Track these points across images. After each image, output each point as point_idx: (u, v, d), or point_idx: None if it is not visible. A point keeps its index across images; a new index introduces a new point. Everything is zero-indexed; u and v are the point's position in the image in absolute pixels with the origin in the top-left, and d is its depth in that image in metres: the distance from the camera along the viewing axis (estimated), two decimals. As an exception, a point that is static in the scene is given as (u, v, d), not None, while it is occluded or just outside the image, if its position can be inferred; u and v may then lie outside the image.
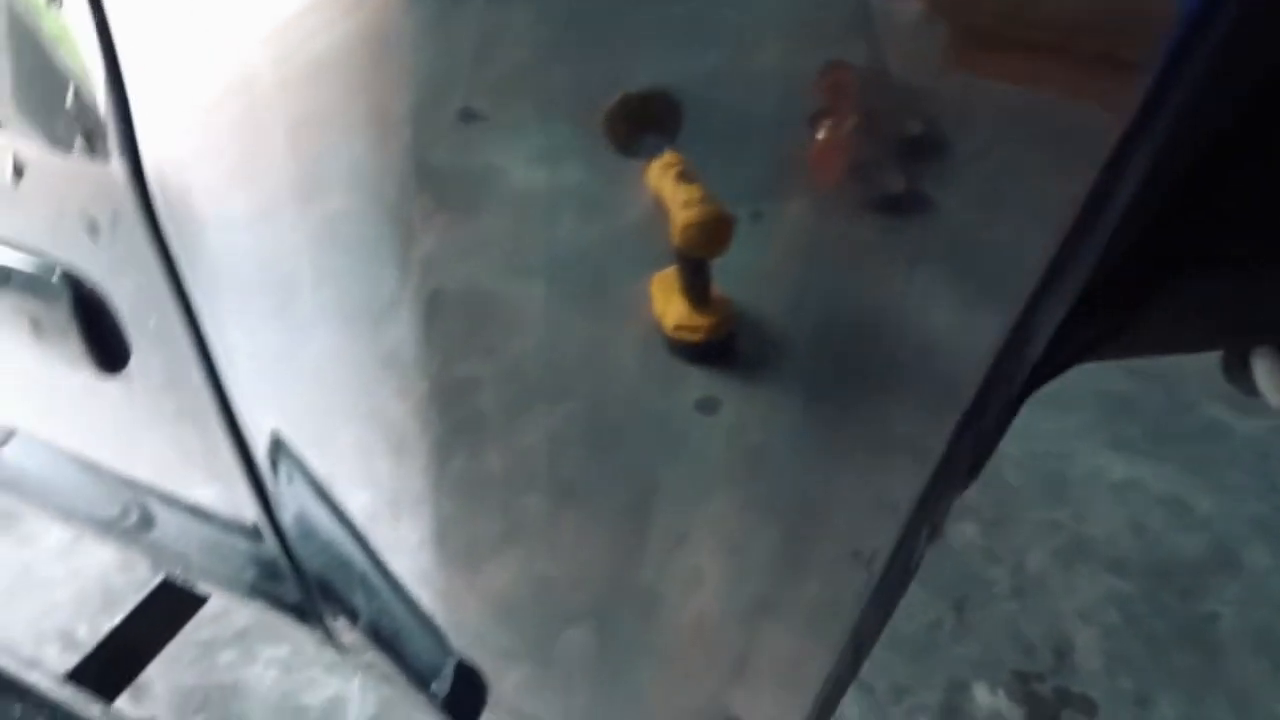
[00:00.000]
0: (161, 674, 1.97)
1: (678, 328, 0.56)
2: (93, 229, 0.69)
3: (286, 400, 0.73)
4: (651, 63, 0.51)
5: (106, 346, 0.77)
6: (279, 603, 0.94)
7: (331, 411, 0.72)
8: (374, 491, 0.75)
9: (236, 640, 2.07)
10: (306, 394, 0.72)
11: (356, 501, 0.76)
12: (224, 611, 2.10)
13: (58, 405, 0.91)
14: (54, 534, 2.30)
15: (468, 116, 0.53)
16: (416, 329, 0.61)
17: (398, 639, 0.83)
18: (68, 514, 1.09)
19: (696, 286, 0.54)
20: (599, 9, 0.52)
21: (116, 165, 0.64)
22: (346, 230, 0.59)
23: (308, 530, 0.81)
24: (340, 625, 0.90)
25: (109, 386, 0.80)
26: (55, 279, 0.74)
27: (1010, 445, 2.57)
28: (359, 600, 0.83)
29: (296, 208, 0.60)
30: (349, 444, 0.72)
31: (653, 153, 0.52)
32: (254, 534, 0.86)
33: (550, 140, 0.54)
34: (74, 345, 0.77)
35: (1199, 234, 0.65)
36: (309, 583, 0.88)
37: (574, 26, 0.52)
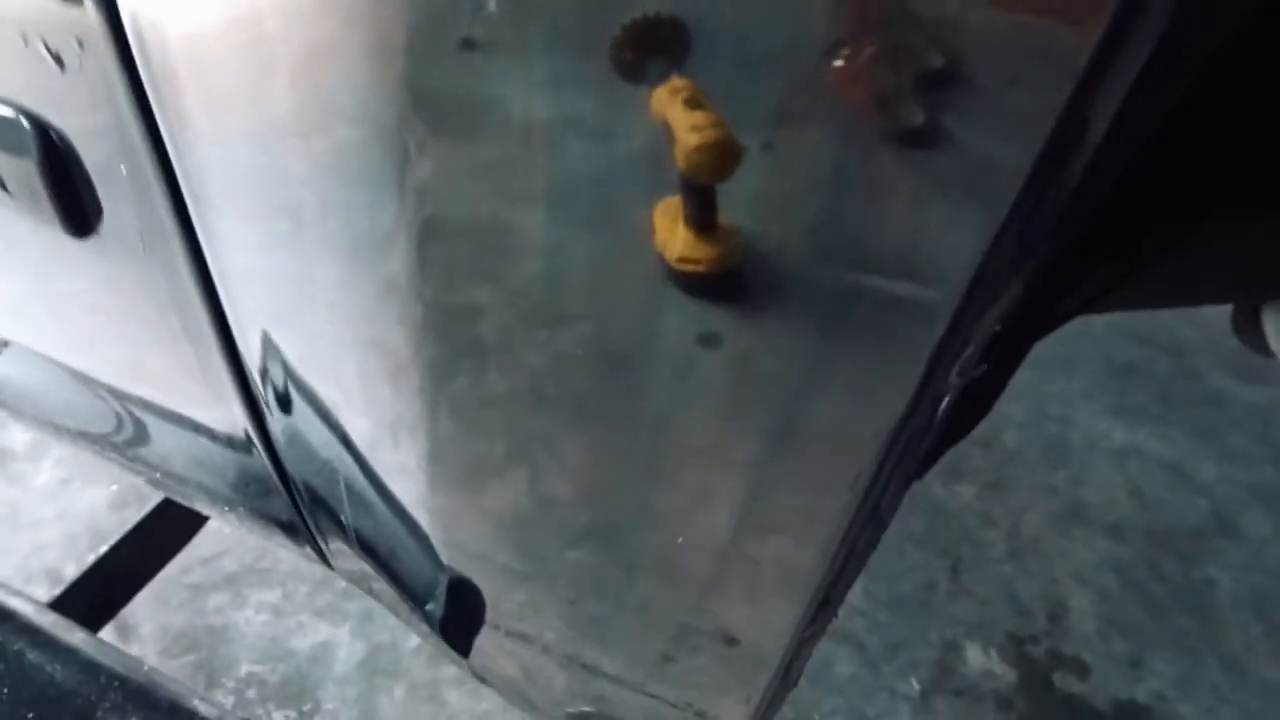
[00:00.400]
0: (150, 616, 1.98)
1: (681, 259, 0.55)
2: (58, 63, 0.66)
3: (278, 301, 0.72)
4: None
5: (77, 204, 0.73)
6: (270, 519, 0.93)
7: (326, 325, 0.70)
8: (372, 410, 0.74)
9: (226, 584, 2.08)
10: (301, 301, 0.70)
11: (353, 419, 0.75)
12: (214, 555, 2.11)
13: (40, 306, 0.89)
14: (44, 473, 2.31)
15: (468, 45, 0.52)
16: (416, 253, 0.60)
17: (392, 557, 0.82)
18: (59, 429, 1.08)
19: (702, 216, 0.53)
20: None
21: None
22: (348, 153, 0.58)
23: (299, 441, 0.80)
24: (334, 545, 0.90)
25: (88, 268, 0.77)
26: (17, 123, 0.69)
27: (1011, 407, 2.56)
28: (350, 515, 0.82)
29: (295, 121, 0.59)
30: (347, 359, 0.71)
31: (659, 79, 0.51)
32: (243, 445, 0.85)
33: (553, 67, 0.52)
34: (41, 200, 0.72)
35: (1212, 175, 0.63)
36: (299, 496, 0.87)
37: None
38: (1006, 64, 0.44)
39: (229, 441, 0.86)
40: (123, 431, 0.97)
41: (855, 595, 2.05)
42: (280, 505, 0.89)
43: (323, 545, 0.93)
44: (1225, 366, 2.45)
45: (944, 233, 0.49)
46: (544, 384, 0.64)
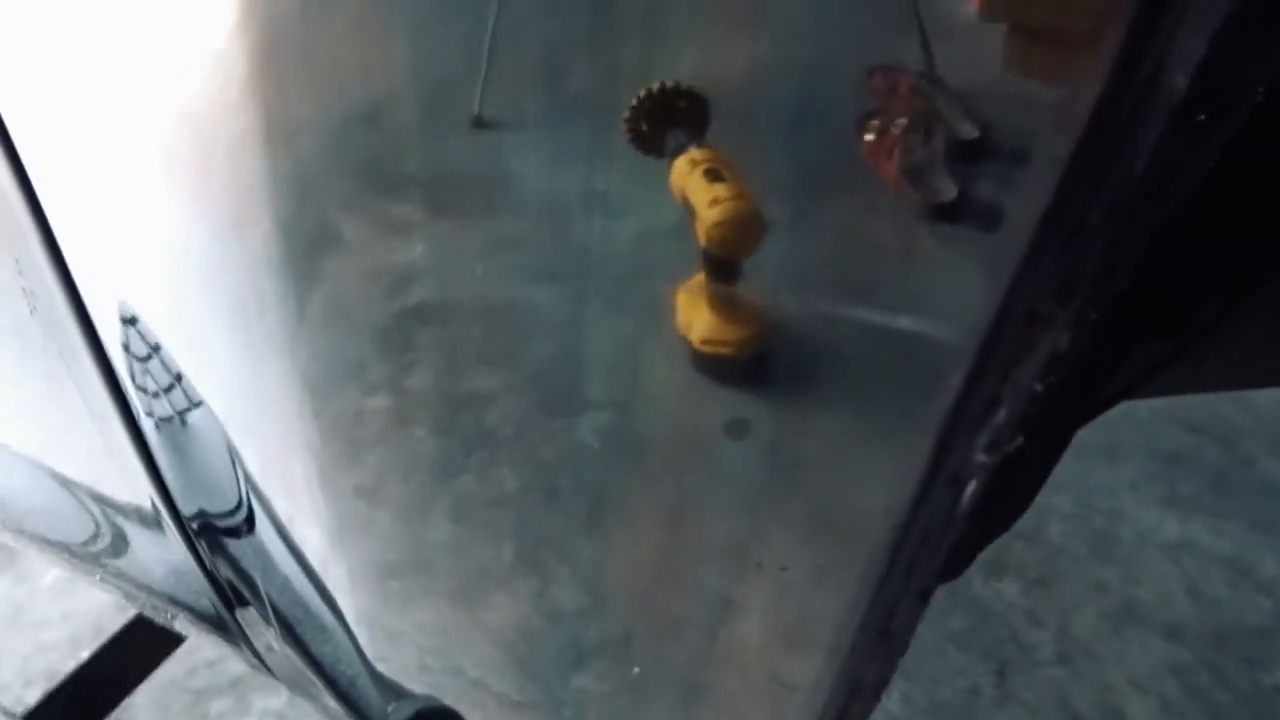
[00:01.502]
0: (150, 721, 1.93)
1: (705, 341, 0.51)
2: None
3: (237, 403, 0.68)
4: (689, 58, 0.48)
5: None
6: (199, 616, 0.89)
7: (289, 418, 0.67)
8: (327, 519, 0.70)
9: (230, 689, 2.03)
10: (271, 405, 0.67)
11: (305, 529, 0.72)
12: (219, 658, 2.06)
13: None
14: (51, 573, 2.29)
15: (479, 123, 0.50)
16: (417, 339, 0.57)
17: (331, 663, 0.78)
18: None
19: (726, 294, 0.50)
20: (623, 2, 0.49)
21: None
22: (345, 237, 0.56)
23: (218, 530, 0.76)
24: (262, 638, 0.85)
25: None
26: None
27: (1055, 498, 2.48)
28: (282, 611, 0.78)
29: (273, 214, 0.57)
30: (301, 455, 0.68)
31: (678, 150, 0.49)
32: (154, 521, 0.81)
33: (567, 142, 0.51)
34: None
35: (1262, 240, 0.60)
36: (222, 587, 0.82)
37: (593, 21, 0.50)
38: (1035, 130, 0.42)
39: (150, 530, 0.83)
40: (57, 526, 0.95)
41: (892, 700, 1.96)
42: (210, 601, 0.86)
43: (256, 647, 0.88)
44: (1279, 454, 2.37)
45: (966, 300, 0.46)
46: (557, 479, 0.61)
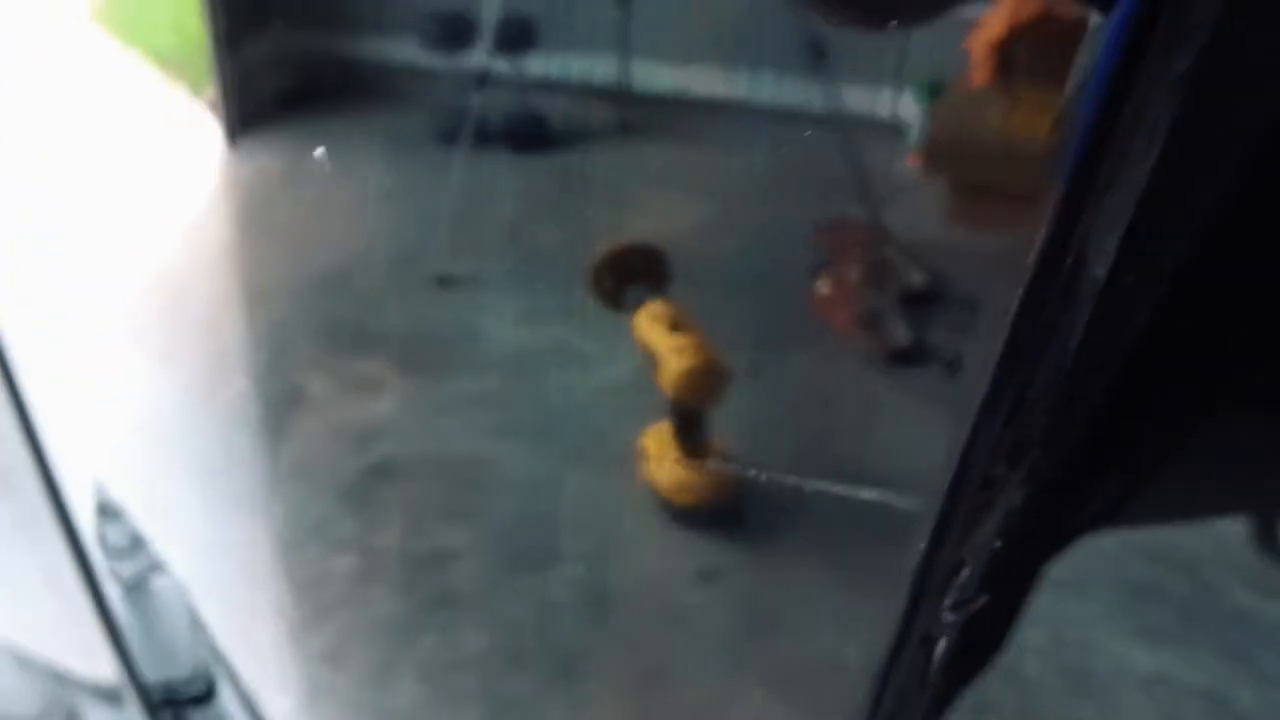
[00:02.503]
0: None
1: (673, 488, 0.52)
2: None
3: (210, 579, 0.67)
4: (646, 217, 0.50)
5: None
6: None
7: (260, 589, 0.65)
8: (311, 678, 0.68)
9: None
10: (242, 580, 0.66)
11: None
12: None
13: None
14: None
15: (444, 282, 0.52)
16: (381, 496, 0.56)
17: None
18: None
19: (693, 443, 0.50)
20: (582, 165, 0.51)
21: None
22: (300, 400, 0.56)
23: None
24: None
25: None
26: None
27: (1028, 633, 2.45)
28: None
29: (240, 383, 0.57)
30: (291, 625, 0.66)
31: (639, 304, 0.50)
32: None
33: (530, 299, 0.52)
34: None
35: (1206, 372, 0.61)
36: None
37: (555, 185, 0.52)
38: (981, 278, 0.44)
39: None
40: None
41: None
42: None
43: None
44: (1245, 582, 2.36)
45: (926, 444, 0.47)
46: (524, 637, 0.59)
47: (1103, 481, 0.65)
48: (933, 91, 0.48)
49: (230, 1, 0.53)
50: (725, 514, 0.52)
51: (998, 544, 0.51)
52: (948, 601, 0.47)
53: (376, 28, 0.57)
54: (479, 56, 0.52)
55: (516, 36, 0.53)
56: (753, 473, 0.51)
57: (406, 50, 0.56)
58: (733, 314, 0.50)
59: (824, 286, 0.47)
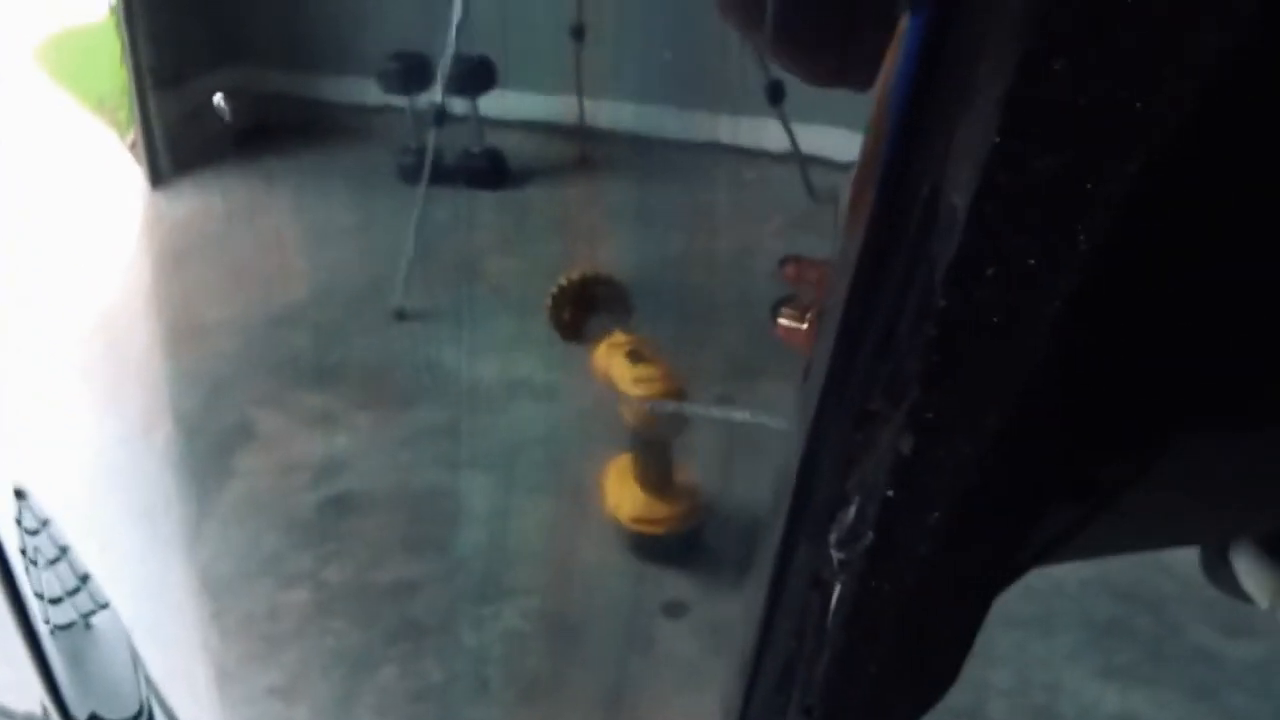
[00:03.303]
0: None
1: (636, 520, 0.51)
2: None
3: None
4: (607, 250, 0.50)
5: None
6: None
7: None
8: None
9: None
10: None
11: None
12: None
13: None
14: None
15: (402, 316, 0.52)
16: (338, 530, 0.55)
17: None
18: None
19: (656, 472, 0.50)
20: (540, 199, 0.51)
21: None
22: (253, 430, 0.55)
23: None
24: None
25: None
26: None
27: (994, 674, 2.43)
28: None
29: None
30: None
31: (599, 335, 0.50)
32: None
33: (489, 331, 0.52)
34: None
35: (1170, 394, 0.62)
36: None
37: (514, 219, 0.52)
38: None
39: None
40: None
41: None
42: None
43: None
44: (1209, 620, 2.37)
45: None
46: (485, 668, 0.58)
47: (1059, 506, 0.65)
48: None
49: (159, 46, 0.53)
50: (688, 546, 0.51)
51: (889, 492, 0.51)
52: (832, 538, 0.46)
53: (336, 68, 0.57)
54: (436, 95, 0.52)
55: (475, 76, 0.53)
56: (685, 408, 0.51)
57: (366, 90, 0.56)
58: (696, 345, 0.50)
59: (786, 319, 0.47)
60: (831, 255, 0.48)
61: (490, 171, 0.54)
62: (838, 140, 0.51)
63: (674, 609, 0.52)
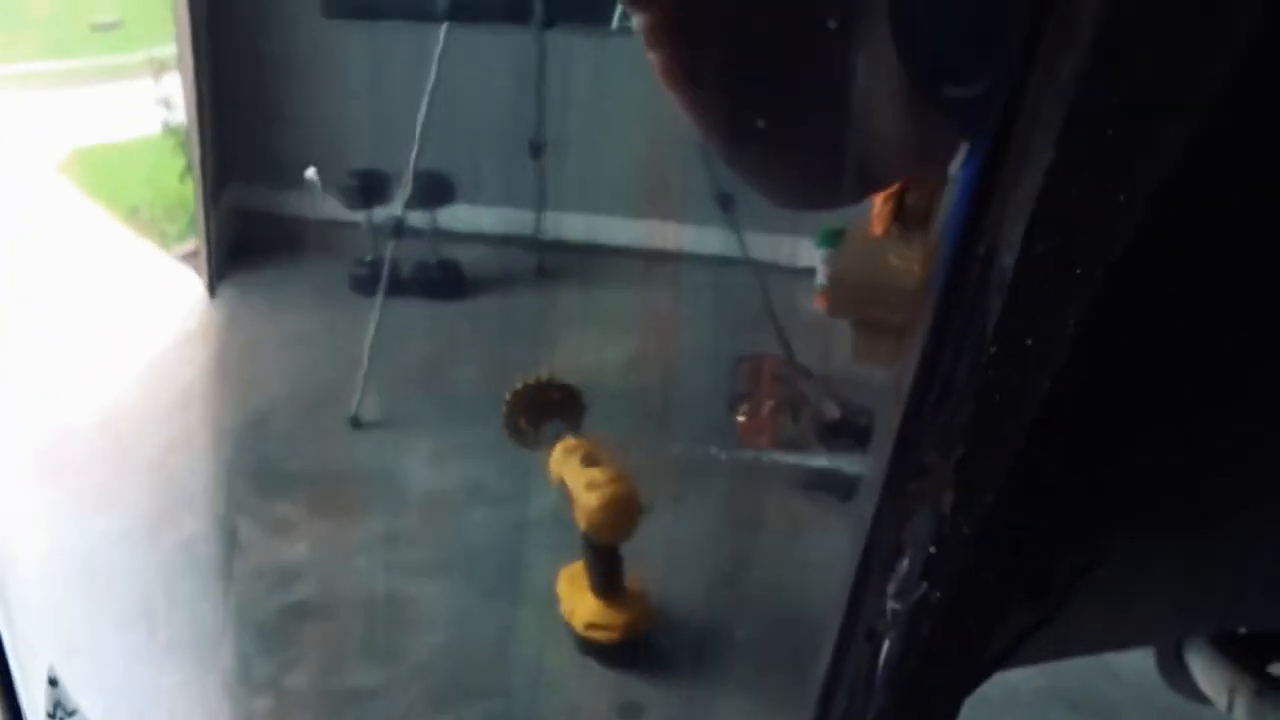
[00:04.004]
0: None
1: (589, 626, 0.51)
2: None
3: None
4: (562, 356, 0.51)
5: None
6: None
7: None
8: None
9: None
10: None
11: None
12: None
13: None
14: None
15: (357, 424, 0.52)
16: (299, 636, 0.54)
17: None
18: None
19: (608, 578, 0.50)
20: (497, 308, 0.53)
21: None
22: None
23: None
24: None
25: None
26: None
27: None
28: None
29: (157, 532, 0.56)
30: None
31: (554, 440, 0.51)
32: None
33: (444, 438, 0.52)
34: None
35: (1114, 498, 0.64)
36: None
37: (470, 328, 0.53)
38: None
39: None
40: None
41: None
42: None
43: None
44: (1163, 728, 2.36)
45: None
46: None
47: (1016, 608, 0.65)
48: (832, 239, 0.51)
49: (218, 162, 0.55)
50: (643, 650, 0.51)
51: (932, 549, 0.51)
52: (890, 588, 0.47)
53: (302, 184, 0.58)
54: (396, 209, 0.54)
55: (434, 190, 0.55)
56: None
57: (330, 205, 0.57)
58: (651, 446, 0.51)
59: (743, 416, 0.49)
60: (782, 356, 0.49)
61: (446, 282, 0.55)
62: (786, 247, 0.53)
63: (629, 710, 0.52)
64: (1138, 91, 0.29)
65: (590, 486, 0.49)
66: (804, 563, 0.49)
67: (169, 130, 0.55)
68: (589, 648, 0.51)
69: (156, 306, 0.57)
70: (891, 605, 0.48)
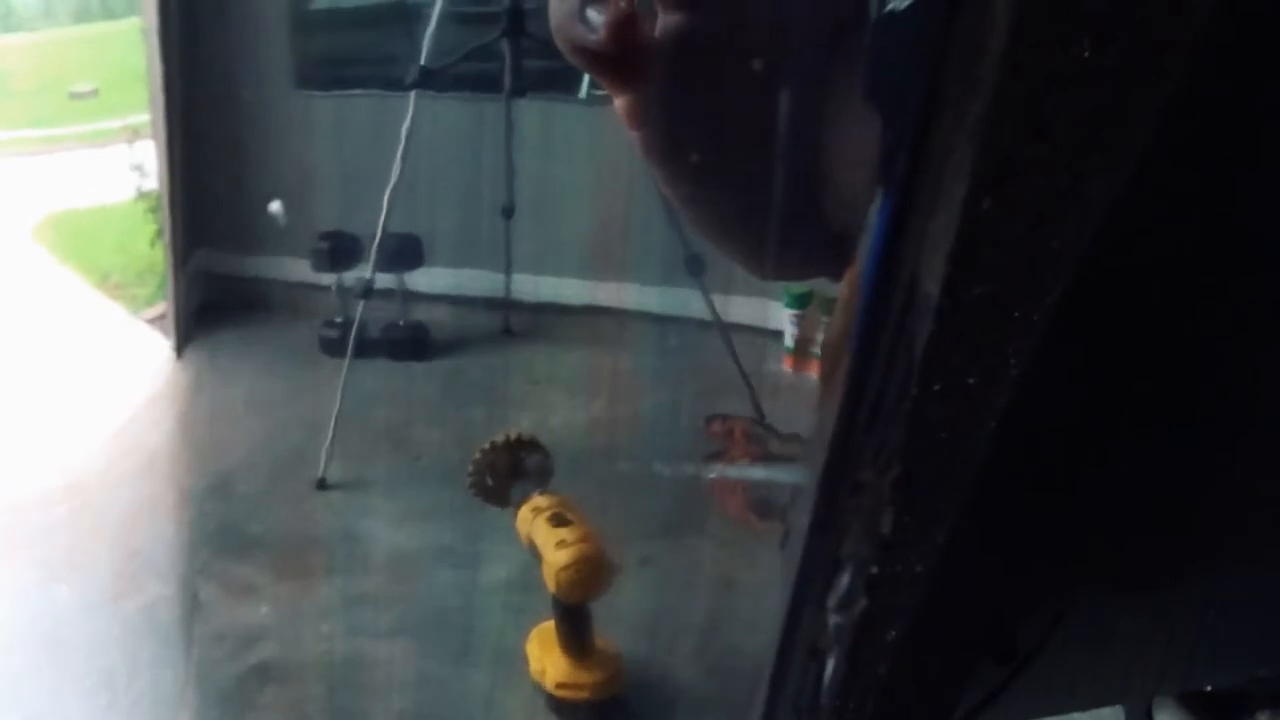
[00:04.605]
0: None
1: (560, 686, 0.51)
2: None
3: None
4: (530, 415, 0.52)
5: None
6: None
7: None
8: None
9: None
10: None
11: None
12: None
13: None
14: None
15: (323, 486, 0.52)
16: (260, 699, 0.53)
17: None
18: None
19: (578, 638, 0.50)
20: (464, 369, 0.53)
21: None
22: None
23: None
24: None
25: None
26: None
27: None
28: None
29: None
30: None
31: (523, 499, 0.51)
32: None
33: (411, 500, 0.52)
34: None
35: (1076, 554, 0.65)
36: None
37: (438, 389, 0.53)
38: None
39: None
40: None
41: None
42: None
43: None
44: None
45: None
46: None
47: (983, 669, 0.66)
48: (800, 301, 0.52)
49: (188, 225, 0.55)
50: (613, 709, 0.51)
51: (874, 569, 0.51)
52: (831, 602, 0.46)
53: (272, 248, 0.59)
54: (365, 272, 0.54)
55: (403, 254, 0.55)
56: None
57: (300, 269, 0.58)
58: (621, 505, 0.51)
59: (714, 475, 0.49)
60: (752, 415, 0.50)
61: (414, 344, 0.56)
62: (755, 308, 0.54)
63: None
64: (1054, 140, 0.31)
65: (559, 546, 0.49)
66: (777, 620, 0.49)
67: (141, 195, 0.56)
68: (560, 707, 0.51)
69: (124, 370, 0.57)
70: (833, 619, 0.48)
